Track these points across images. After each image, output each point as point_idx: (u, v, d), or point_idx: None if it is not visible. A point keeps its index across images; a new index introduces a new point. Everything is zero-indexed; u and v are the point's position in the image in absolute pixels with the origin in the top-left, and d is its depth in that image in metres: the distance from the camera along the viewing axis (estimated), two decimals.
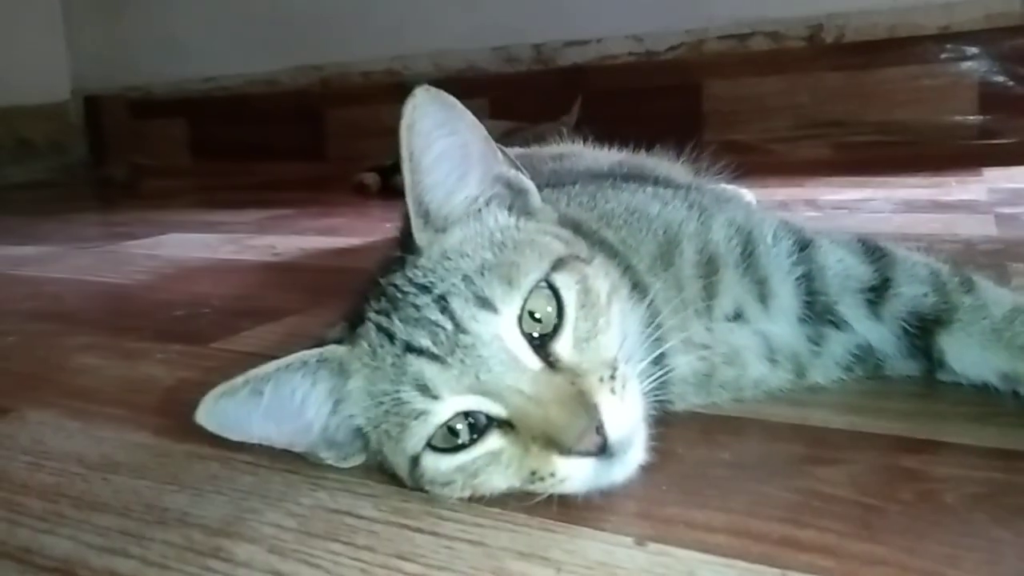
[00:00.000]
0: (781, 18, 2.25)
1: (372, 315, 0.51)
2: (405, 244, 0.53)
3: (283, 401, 0.50)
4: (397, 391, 0.48)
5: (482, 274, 0.49)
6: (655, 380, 0.53)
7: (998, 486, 0.49)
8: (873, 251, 0.62)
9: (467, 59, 2.70)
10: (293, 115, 3.05)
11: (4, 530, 0.51)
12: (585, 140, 2.11)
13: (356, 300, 0.56)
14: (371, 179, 2.26)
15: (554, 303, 0.49)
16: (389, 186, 2.22)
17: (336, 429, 0.53)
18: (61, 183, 3.25)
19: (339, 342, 0.52)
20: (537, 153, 0.94)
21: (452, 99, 0.52)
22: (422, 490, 0.50)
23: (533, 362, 0.47)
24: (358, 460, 0.54)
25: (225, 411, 0.49)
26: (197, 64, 3.23)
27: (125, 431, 0.64)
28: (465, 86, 2.67)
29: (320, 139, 3.03)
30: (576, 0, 2.48)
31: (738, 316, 0.61)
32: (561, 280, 0.50)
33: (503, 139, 2.39)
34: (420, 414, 0.47)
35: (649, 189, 0.66)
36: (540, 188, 0.71)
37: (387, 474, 0.52)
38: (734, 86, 2.33)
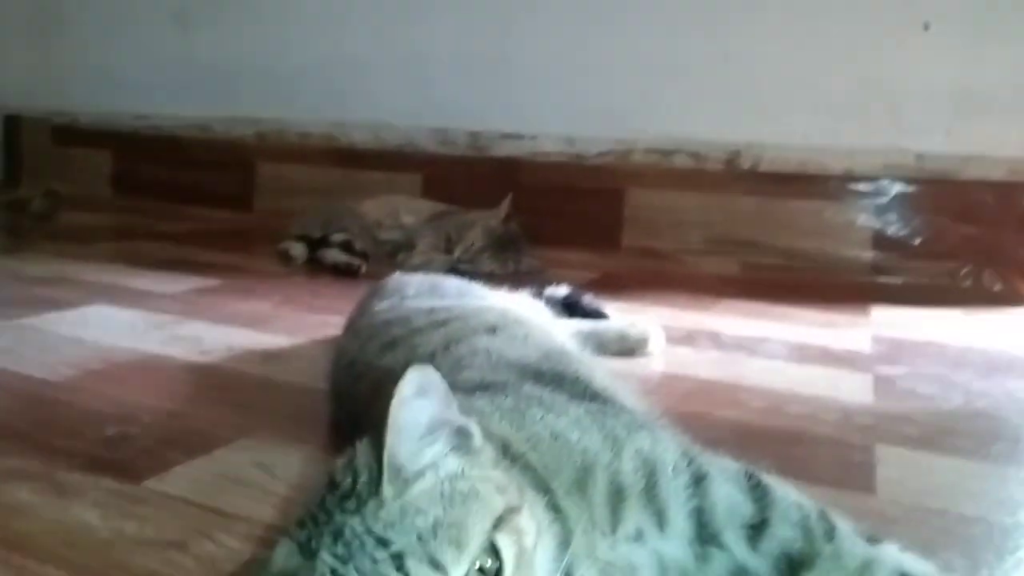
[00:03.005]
0: (704, 140, 2.42)
1: (327, 557, 0.56)
2: (364, 483, 0.58)
3: None
4: None
5: (435, 534, 0.55)
6: None
7: None
8: (757, 487, 0.72)
9: (406, 135, 2.78)
10: (223, 163, 3.06)
11: None
12: (511, 243, 2.22)
13: (305, 518, 0.61)
14: (298, 250, 2.30)
15: (495, 557, 0.56)
16: (316, 259, 2.27)
17: None
18: None
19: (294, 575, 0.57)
20: (475, 318, 1.01)
21: (431, 371, 0.59)
22: None
23: None
24: None
25: None
26: (129, 99, 3.21)
27: None
28: (401, 161, 2.77)
29: (249, 190, 3.04)
30: (515, 97, 2.60)
31: (638, 536, 0.70)
32: (502, 540, 0.57)
33: (434, 220, 2.50)
34: None
35: (571, 411, 0.75)
36: (476, 387, 0.80)
37: None
38: (655, 197, 2.48)
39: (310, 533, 0.59)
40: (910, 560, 0.71)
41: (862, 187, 2.29)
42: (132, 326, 1.53)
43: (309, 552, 0.57)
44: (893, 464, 1.04)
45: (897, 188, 2.26)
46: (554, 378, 0.84)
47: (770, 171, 2.37)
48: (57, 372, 1.25)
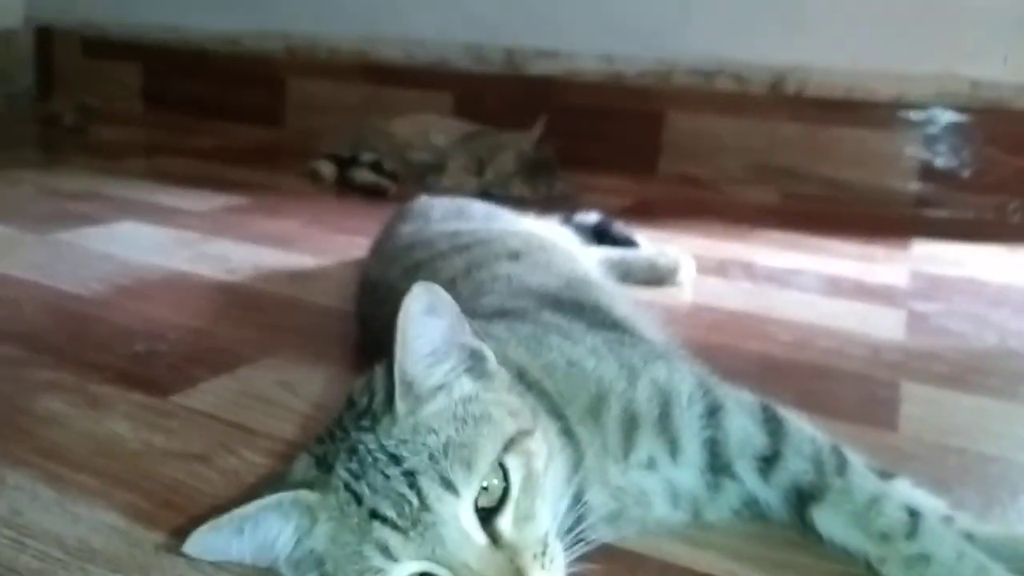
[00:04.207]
0: (748, 63, 2.33)
1: (342, 471, 0.57)
2: (380, 401, 0.59)
3: (259, 535, 0.58)
4: (360, 547, 0.55)
5: (446, 454, 0.56)
6: (575, 519, 0.62)
7: None
8: (771, 420, 0.72)
9: (438, 52, 2.72)
10: (253, 78, 3.03)
11: None
12: (544, 167, 2.18)
13: (323, 435, 0.62)
14: (327, 170, 2.28)
15: (501, 477, 0.57)
16: (345, 179, 2.26)
17: (299, 555, 0.60)
18: (3, 115, 3.18)
19: (309, 486, 0.58)
20: (498, 243, 1.00)
21: (437, 289, 0.59)
22: None
23: (480, 538, 0.55)
24: None
25: (209, 542, 0.56)
26: (159, 11, 3.18)
27: (97, 508, 0.71)
28: (433, 79, 2.72)
29: (279, 106, 3.02)
30: (551, 12, 2.52)
31: (650, 464, 0.70)
32: (511, 462, 0.57)
33: (465, 141, 2.46)
34: (378, 571, 0.55)
35: (588, 340, 0.74)
36: (495, 312, 0.79)
37: None
38: (695, 121, 2.41)
39: (327, 449, 0.60)
40: (920, 496, 0.71)
41: (911, 115, 2.21)
42: (161, 243, 1.55)
43: (326, 466, 0.59)
44: (918, 401, 1.03)
45: (948, 117, 2.17)
46: (574, 306, 0.83)
47: (816, 96, 2.28)
48: (88, 287, 1.28)
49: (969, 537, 0.65)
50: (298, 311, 1.25)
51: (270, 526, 0.58)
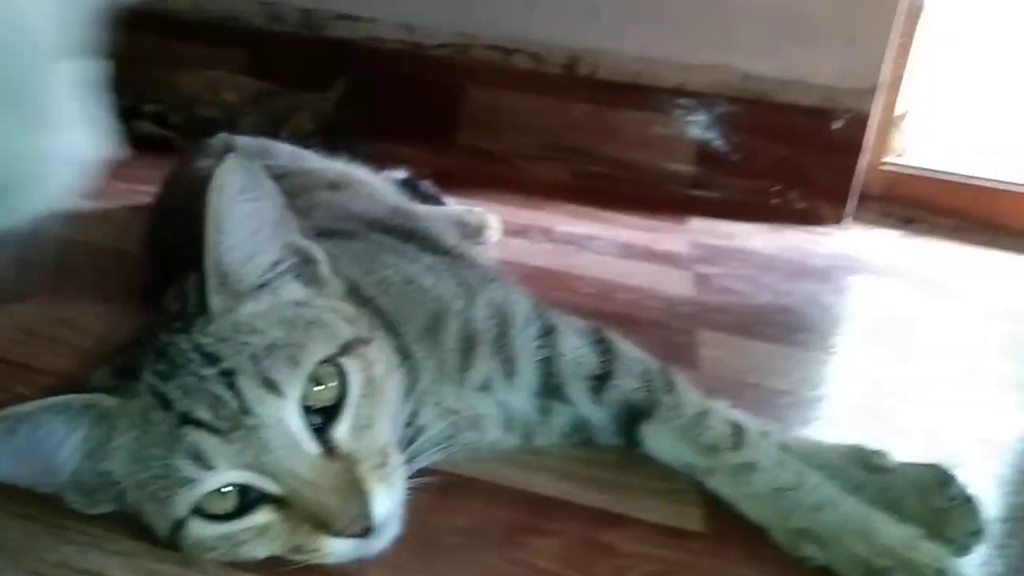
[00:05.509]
0: (544, 42, 2.39)
1: (148, 375, 0.50)
2: (193, 301, 0.53)
3: (38, 442, 0.50)
4: (169, 459, 0.49)
5: (271, 354, 0.51)
6: (410, 443, 0.59)
7: (669, 564, 0.61)
8: (602, 341, 0.73)
9: (231, 6, 2.55)
10: None
11: None
12: (343, 130, 2.11)
13: (127, 344, 0.55)
14: None
15: (337, 385, 0.53)
16: (124, 130, 2.05)
17: (88, 476, 0.52)
18: None
19: (107, 391, 0.51)
20: (314, 175, 0.95)
21: (257, 167, 0.54)
22: (178, 549, 0.51)
23: (312, 447, 0.51)
24: (107, 509, 0.54)
25: None
26: None
27: None
28: (225, 34, 2.54)
29: None
30: None
31: (485, 386, 0.69)
32: (349, 364, 0.53)
33: (259, 99, 2.31)
34: (190, 482, 0.49)
35: (424, 259, 0.72)
36: (319, 233, 0.74)
37: (139, 527, 0.53)
38: (493, 96, 2.44)
39: (129, 357, 0.53)
40: (737, 414, 0.75)
41: (690, 102, 2.37)
42: None
43: (128, 373, 0.52)
44: (713, 345, 1.11)
45: (722, 106, 2.35)
46: (404, 233, 0.81)
47: (606, 79, 2.38)
48: None
49: (784, 448, 0.69)
50: (76, 252, 1.11)
51: (53, 431, 0.50)
